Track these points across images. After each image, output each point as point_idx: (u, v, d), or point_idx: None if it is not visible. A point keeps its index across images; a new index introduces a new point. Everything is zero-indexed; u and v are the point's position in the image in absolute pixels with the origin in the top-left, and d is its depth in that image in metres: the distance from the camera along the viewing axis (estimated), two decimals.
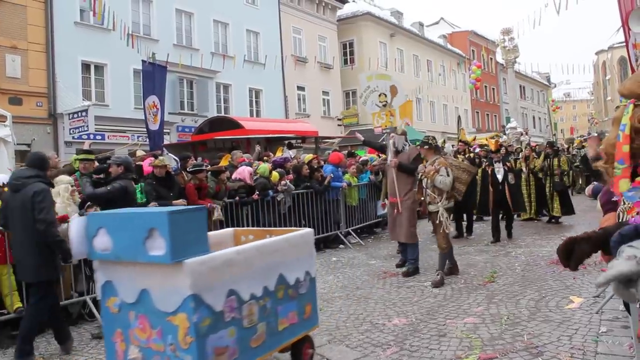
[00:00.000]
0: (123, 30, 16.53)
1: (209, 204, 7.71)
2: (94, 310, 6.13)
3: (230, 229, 4.96)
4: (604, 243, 1.63)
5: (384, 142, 8.96)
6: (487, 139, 15.57)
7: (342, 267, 8.50)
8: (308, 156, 11.71)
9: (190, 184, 7.73)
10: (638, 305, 1.79)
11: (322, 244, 10.39)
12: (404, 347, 4.69)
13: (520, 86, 53.31)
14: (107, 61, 19.03)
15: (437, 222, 6.99)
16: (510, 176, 10.33)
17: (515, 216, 11.62)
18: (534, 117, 59.12)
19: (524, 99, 55.65)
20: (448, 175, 6.93)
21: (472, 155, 12.43)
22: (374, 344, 4.84)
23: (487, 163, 10.74)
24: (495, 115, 50.79)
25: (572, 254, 1.68)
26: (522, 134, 21.92)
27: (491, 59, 50.03)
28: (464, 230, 11.12)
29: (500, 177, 10.21)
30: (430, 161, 7.17)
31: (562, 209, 11.94)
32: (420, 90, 33.46)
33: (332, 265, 8.79)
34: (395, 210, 7.63)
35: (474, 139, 18.32)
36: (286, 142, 16.78)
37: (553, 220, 12.14)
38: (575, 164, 17.38)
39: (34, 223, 4.78)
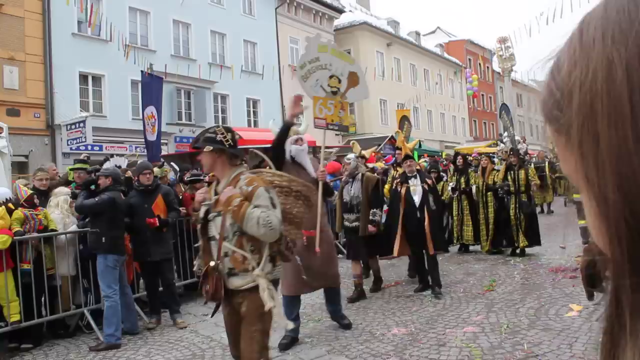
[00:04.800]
0: (121, 42, 16.57)
1: None
2: (92, 322, 6.10)
3: None
4: None
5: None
6: (408, 147, 9.34)
7: (341, 277, 8.47)
8: None
9: (187, 193, 7.72)
10: None
11: None
12: (403, 357, 4.67)
13: (517, 94, 53.47)
14: (105, 72, 19.05)
15: (255, 313, 3.28)
16: (431, 198, 7.11)
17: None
18: (531, 125, 59.24)
19: (521, 107, 55.80)
20: (274, 206, 3.33)
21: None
22: (374, 354, 4.82)
23: (397, 180, 7.37)
24: (492, 124, 50.90)
25: (596, 277, 1.65)
26: (519, 142, 21.95)
27: (488, 67, 50.20)
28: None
29: (417, 199, 7.06)
30: (228, 179, 3.45)
31: (527, 237, 9.00)
32: (417, 99, 33.52)
33: None
34: (317, 248, 5.18)
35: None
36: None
37: (518, 252, 9.17)
38: None
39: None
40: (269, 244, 3.30)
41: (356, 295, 7.01)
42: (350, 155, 7.55)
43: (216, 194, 3.43)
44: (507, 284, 7.19)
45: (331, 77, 5.98)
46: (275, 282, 3.49)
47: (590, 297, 1.68)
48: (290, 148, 5.33)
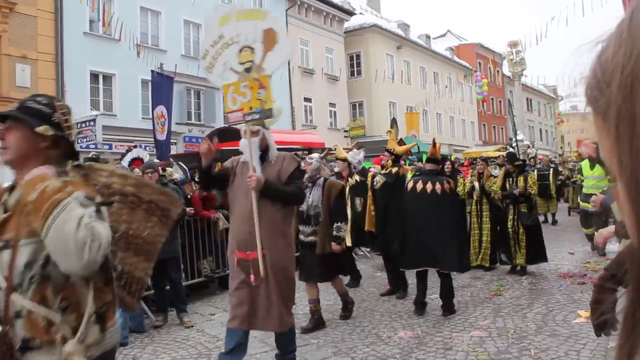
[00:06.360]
0: (131, 41, 16.66)
1: (212, 215, 7.74)
2: None
3: None
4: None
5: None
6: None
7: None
8: None
9: (196, 194, 7.74)
10: None
11: None
12: None
13: (527, 99, 53.27)
14: (115, 71, 19.16)
15: None
16: (358, 201, 7.21)
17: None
18: (540, 130, 59.02)
19: (531, 112, 55.60)
20: (102, 219, 1.90)
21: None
22: (380, 357, 4.81)
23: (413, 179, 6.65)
24: (501, 128, 50.74)
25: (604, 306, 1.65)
26: (528, 147, 21.89)
27: (498, 71, 50.05)
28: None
29: None
30: (29, 182, 1.87)
31: (529, 253, 7.89)
32: (427, 102, 33.48)
33: None
34: (252, 276, 4.00)
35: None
36: (293, 153, 16.76)
37: (518, 269, 8.10)
38: (573, 179, 14.82)
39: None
40: (93, 294, 1.93)
41: (312, 325, 5.82)
42: (314, 155, 6.43)
43: (6, 210, 1.99)
44: (514, 288, 7.16)
45: (241, 50, 4.43)
46: (108, 356, 2.06)
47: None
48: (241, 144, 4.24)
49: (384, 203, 7.00)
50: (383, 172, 7.41)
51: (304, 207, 5.75)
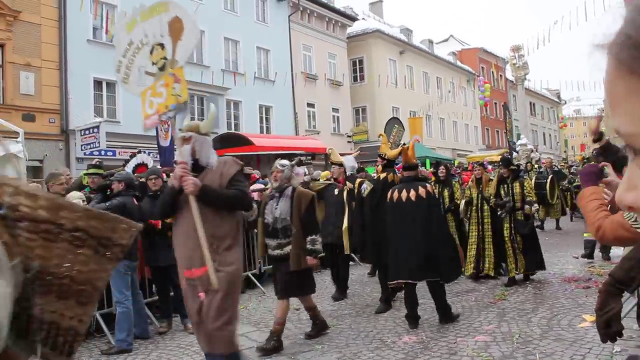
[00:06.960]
0: None
1: None
2: (103, 326, 6.14)
3: None
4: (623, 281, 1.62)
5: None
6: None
7: (352, 284, 8.44)
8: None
9: None
10: None
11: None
12: None
13: (530, 103, 53.24)
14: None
15: None
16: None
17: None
18: (544, 134, 58.94)
19: (534, 116, 55.54)
20: None
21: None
22: None
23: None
24: (505, 132, 50.72)
25: (609, 317, 1.64)
26: (532, 151, 21.83)
27: (501, 75, 50.02)
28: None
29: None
30: None
31: (528, 261, 7.58)
32: (430, 107, 33.49)
33: None
34: (202, 294, 3.77)
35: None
36: (295, 158, 16.79)
37: (520, 280, 7.74)
38: (575, 184, 14.25)
39: None
40: None
41: (315, 331, 5.73)
42: (284, 162, 5.75)
43: None
44: (519, 293, 7.14)
45: (152, 50, 4.17)
46: None
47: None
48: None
49: (371, 211, 6.79)
50: (374, 177, 7.34)
51: (269, 219, 5.45)
